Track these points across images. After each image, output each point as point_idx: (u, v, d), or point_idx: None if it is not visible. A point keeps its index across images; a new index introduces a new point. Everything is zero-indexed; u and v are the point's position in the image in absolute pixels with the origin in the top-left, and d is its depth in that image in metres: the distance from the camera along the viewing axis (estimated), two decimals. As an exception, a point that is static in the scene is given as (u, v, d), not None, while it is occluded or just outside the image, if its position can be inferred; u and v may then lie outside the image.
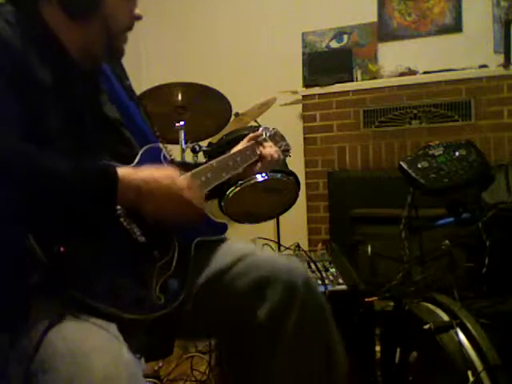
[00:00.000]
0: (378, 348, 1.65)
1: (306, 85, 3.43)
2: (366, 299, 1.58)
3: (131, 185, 0.93)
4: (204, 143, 2.33)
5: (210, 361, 2.04)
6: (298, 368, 1.08)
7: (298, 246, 2.01)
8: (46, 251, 0.82)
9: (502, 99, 2.97)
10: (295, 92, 3.45)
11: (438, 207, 1.63)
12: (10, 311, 0.84)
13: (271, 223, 2.82)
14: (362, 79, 3.34)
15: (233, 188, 1.78)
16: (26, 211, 0.84)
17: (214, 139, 2.37)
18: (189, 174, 1.11)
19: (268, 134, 1.48)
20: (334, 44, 3.50)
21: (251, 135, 1.42)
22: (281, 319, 1.07)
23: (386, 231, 2.46)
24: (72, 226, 0.86)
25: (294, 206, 2.17)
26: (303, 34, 3.56)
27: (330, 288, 1.57)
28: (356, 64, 3.38)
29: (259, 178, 1.87)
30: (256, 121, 2.76)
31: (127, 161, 1.03)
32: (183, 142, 2.23)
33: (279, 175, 1.97)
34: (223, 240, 1.20)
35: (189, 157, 2.23)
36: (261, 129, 1.48)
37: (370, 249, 2.50)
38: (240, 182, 1.84)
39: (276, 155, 1.39)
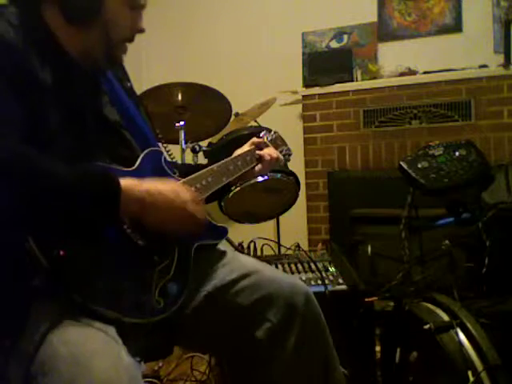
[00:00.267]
0: (378, 348, 1.65)
1: (306, 85, 3.42)
2: (366, 299, 1.58)
3: (135, 197, 0.91)
4: (204, 143, 2.33)
5: (210, 361, 2.03)
6: (298, 382, 1.09)
7: (298, 246, 2.01)
8: (46, 254, 0.82)
9: (501, 99, 2.97)
10: (295, 92, 3.45)
11: (438, 207, 1.63)
12: (11, 314, 0.84)
13: (271, 223, 2.82)
14: (362, 79, 3.34)
15: (233, 188, 1.78)
16: (25, 214, 0.83)
17: (214, 139, 2.37)
18: (190, 178, 1.11)
19: (269, 139, 1.48)
20: (334, 44, 3.50)
21: (253, 140, 1.41)
22: (281, 339, 1.08)
23: (386, 231, 2.46)
24: (72, 230, 0.86)
25: (294, 206, 2.17)
26: (303, 34, 3.56)
27: (330, 288, 1.57)
28: (356, 64, 3.38)
29: (259, 178, 1.87)
30: (256, 121, 2.76)
31: (127, 163, 1.02)
32: (183, 141, 2.23)
33: (279, 175, 1.97)
34: (225, 252, 1.20)
35: (189, 157, 2.23)
36: (262, 133, 1.48)
37: (369, 249, 2.50)
38: (240, 182, 1.84)
39: (275, 155, 1.38)
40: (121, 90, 1.17)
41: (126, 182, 0.90)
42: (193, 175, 1.12)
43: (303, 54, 3.55)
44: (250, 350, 1.09)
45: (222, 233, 1.20)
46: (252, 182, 1.85)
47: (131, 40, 1.09)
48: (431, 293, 1.48)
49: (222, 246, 1.23)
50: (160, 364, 2.20)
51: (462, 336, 1.25)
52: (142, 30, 1.09)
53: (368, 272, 2.48)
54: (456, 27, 3.21)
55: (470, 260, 2.19)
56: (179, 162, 1.59)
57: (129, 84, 1.22)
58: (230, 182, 1.25)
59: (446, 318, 1.32)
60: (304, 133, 3.42)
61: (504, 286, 1.60)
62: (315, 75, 3.41)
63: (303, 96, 3.42)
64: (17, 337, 0.83)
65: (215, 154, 2.12)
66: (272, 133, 1.51)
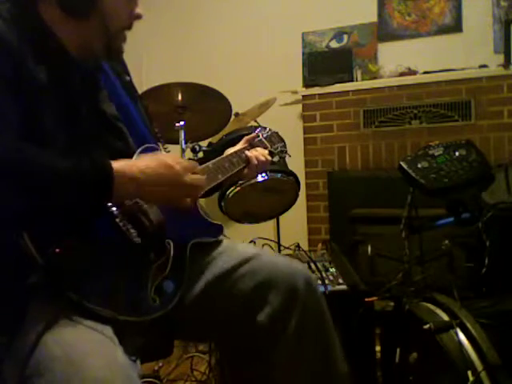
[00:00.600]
0: (378, 348, 1.65)
1: (306, 85, 3.42)
2: (366, 299, 1.58)
3: (128, 176, 0.91)
4: (204, 143, 2.33)
5: (209, 361, 2.03)
6: (299, 369, 1.08)
7: (298, 246, 2.01)
8: (42, 252, 0.81)
9: (502, 99, 2.97)
10: (295, 92, 3.45)
11: (438, 207, 1.63)
12: (6, 313, 0.84)
13: (271, 223, 2.82)
14: (362, 79, 3.34)
15: (233, 188, 1.79)
16: (21, 210, 0.83)
17: (214, 139, 2.37)
18: None
19: (265, 136, 1.48)
20: (334, 44, 3.50)
21: (247, 137, 1.41)
22: (282, 322, 1.08)
23: (386, 231, 2.46)
24: (68, 227, 0.86)
25: (294, 206, 2.17)
26: (303, 34, 3.56)
27: (330, 288, 1.57)
28: (356, 64, 3.38)
29: (259, 177, 1.88)
30: (256, 121, 2.76)
31: (124, 157, 1.02)
32: (183, 141, 2.23)
33: (279, 175, 1.98)
34: (221, 242, 1.20)
35: (189, 157, 2.23)
36: (257, 130, 1.48)
37: (370, 249, 2.50)
38: (240, 182, 1.84)
39: (262, 158, 1.37)
40: (119, 85, 1.16)
41: (117, 164, 0.91)
42: None
43: (303, 53, 3.55)
44: (251, 335, 1.09)
45: (218, 230, 1.20)
46: (252, 181, 1.85)
47: (129, 28, 1.08)
48: (431, 293, 1.48)
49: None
50: (160, 364, 2.20)
51: (461, 336, 1.25)
52: (139, 16, 1.08)
53: (368, 272, 2.48)
54: (456, 27, 3.21)
55: (469, 260, 2.19)
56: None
57: (128, 78, 1.21)
58: (224, 180, 1.25)
59: (445, 318, 1.32)
60: (304, 133, 3.42)
61: (504, 285, 1.60)
62: (315, 75, 3.41)
63: (303, 96, 3.42)
64: (13, 335, 0.83)
65: (215, 154, 2.12)
66: (267, 130, 1.51)
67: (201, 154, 2.18)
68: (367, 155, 3.27)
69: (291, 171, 2.04)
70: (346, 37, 3.47)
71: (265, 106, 2.79)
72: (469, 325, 1.26)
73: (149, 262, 0.97)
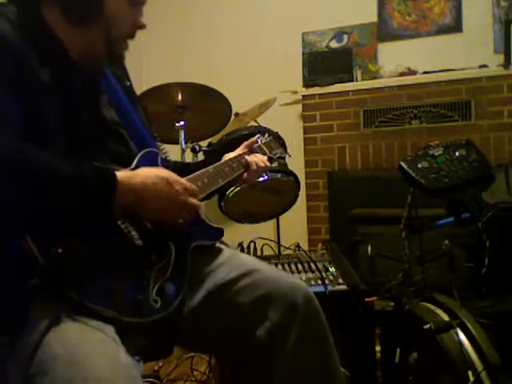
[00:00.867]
0: (378, 348, 1.65)
1: (306, 85, 3.43)
2: (366, 299, 1.58)
3: (130, 188, 0.93)
4: (204, 143, 2.33)
5: (209, 361, 2.03)
6: (297, 381, 1.09)
7: (298, 246, 2.01)
8: (44, 252, 0.82)
9: (502, 99, 2.97)
10: (295, 92, 3.46)
11: (438, 207, 1.63)
12: (9, 313, 0.84)
13: (271, 223, 2.82)
14: (362, 79, 3.34)
15: (233, 188, 1.79)
16: (23, 210, 0.84)
17: (214, 139, 2.37)
18: (186, 178, 1.11)
19: (263, 142, 1.48)
20: (334, 44, 3.50)
21: (246, 143, 1.42)
22: (281, 337, 1.08)
23: (386, 231, 2.46)
24: (70, 228, 0.86)
25: (293, 206, 2.17)
26: (303, 34, 3.56)
27: (330, 288, 1.57)
28: (356, 64, 3.38)
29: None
30: (256, 121, 2.76)
31: (125, 162, 1.03)
32: (183, 141, 2.23)
33: (279, 175, 1.98)
34: (222, 250, 1.20)
35: (189, 157, 2.23)
36: (256, 136, 1.48)
37: (370, 249, 2.50)
38: (240, 182, 1.84)
39: (262, 164, 1.37)
40: (120, 90, 1.17)
41: (120, 174, 0.92)
42: (189, 176, 1.12)
43: (303, 53, 3.55)
44: (250, 349, 1.09)
45: (219, 233, 1.20)
46: (252, 182, 1.85)
47: (132, 36, 1.09)
48: (431, 293, 1.48)
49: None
50: (160, 364, 2.20)
51: (461, 336, 1.25)
52: (142, 26, 1.09)
53: (368, 272, 2.48)
54: (456, 27, 3.21)
55: (469, 260, 2.19)
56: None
57: (128, 83, 1.22)
58: (224, 184, 1.26)
59: (446, 317, 1.32)
60: (304, 133, 3.42)
61: (504, 285, 1.60)
62: (315, 75, 3.41)
63: (303, 96, 3.42)
64: (15, 335, 0.83)
65: (215, 154, 2.12)
66: (266, 136, 1.51)
67: (201, 154, 2.18)
68: (367, 155, 3.27)
69: (291, 171, 2.04)
70: (345, 37, 3.47)
71: (265, 106, 2.79)
72: (469, 325, 1.26)
73: (150, 264, 0.98)
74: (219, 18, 3.77)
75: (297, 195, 2.11)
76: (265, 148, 1.47)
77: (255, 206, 2.09)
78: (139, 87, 1.37)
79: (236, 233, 2.44)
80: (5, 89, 0.88)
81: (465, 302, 1.36)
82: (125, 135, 1.13)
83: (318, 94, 3.36)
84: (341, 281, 1.63)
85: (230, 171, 1.28)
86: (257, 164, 1.36)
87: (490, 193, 1.79)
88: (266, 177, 1.89)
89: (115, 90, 1.16)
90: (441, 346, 1.26)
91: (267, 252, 2.07)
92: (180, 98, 2.23)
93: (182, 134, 2.23)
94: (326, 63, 3.42)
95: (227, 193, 1.93)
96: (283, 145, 1.83)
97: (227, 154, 1.36)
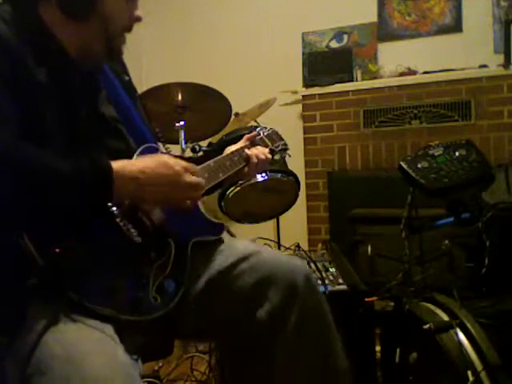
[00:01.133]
0: (378, 348, 1.65)
1: (306, 85, 3.43)
2: (366, 299, 1.58)
3: (128, 176, 0.92)
4: (204, 143, 2.33)
5: (209, 361, 2.03)
6: (299, 367, 1.08)
7: (297, 246, 2.01)
8: (41, 252, 0.81)
9: (502, 99, 2.97)
10: (295, 92, 3.46)
11: (438, 207, 1.63)
12: (7, 313, 0.84)
13: (271, 223, 2.82)
14: (362, 79, 3.34)
15: (233, 188, 1.79)
16: (21, 208, 0.83)
17: (214, 139, 2.37)
18: None
19: (265, 134, 1.48)
20: (334, 44, 3.50)
21: (248, 136, 1.41)
22: (281, 319, 1.07)
23: (386, 231, 2.46)
24: (68, 227, 0.86)
25: (293, 206, 2.17)
26: (303, 34, 3.56)
27: (330, 288, 1.57)
28: (356, 64, 3.38)
29: (259, 177, 1.87)
30: (256, 121, 2.76)
31: (123, 158, 1.02)
32: (183, 141, 2.23)
33: (279, 175, 1.98)
34: (221, 240, 1.20)
35: (189, 155, 2.23)
36: (258, 129, 1.48)
37: (370, 249, 2.50)
38: (240, 182, 1.84)
39: (263, 156, 1.37)
40: (119, 85, 1.16)
41: (116, 164, 0.91)
42: None
43: (303, 53, 3.55)
44: (251, 332, 1.08)
45: (219, 229, 1.20)
46: (252, 181, 1.85)
47: (129, 30, 1.08)
48: (431, 293, 1.48)
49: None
50: (160, 364, 2.20)
51: (461, 336, 1.25)
52: (139, 19, 1.08)
53: (368, 272, 2.48)
54: (456, 27, 3.21)
55: (469, 260, 2.19)
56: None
57: (127, 78, 1.21)
58: (225, 179, 1.25)
59: (445, 318, 1.32)
60: (304, 133, 3.42)
61: (504, 285, 1.60)
62: (315, 75, 3.41)
63: (303, 96, 3.42)
64: (13, 335, 0.83)
65: (215, 154, 2.12)
66: (268, 128, 1.51)
67: (201, 154, 2.18)
68: (367, 155, 3.27)
69: (291, 171, 2.04)
70: (345, 37, 3.47)
71: (265, 106, 2.79)
72: (469, 325, 1.26)
73: (149, 261, 0.97)
74: (219, 18, 3.77)
75: (297, 195, 2.11)
76: (267, 140, 1.47)
77: (255, 206, 2.09)
78: (139, 87, 1.37)
79: (236, 233, 2.44)
80: (0, 88, 0.88)
81: (465, 302, 1.36)
82: (123, 131, 1.12)
83: (318, 94, 3.36)
84: (341, 281, 1.63)
85: (231, 165, 1.27)
86: (257, 156, 1.35)
87: (489, 193, 1.79)
88: (266, 177, 1.89)
89: (113, 85, 1.15)
90: (440, 345, 1.26)
91: (267, 252, 2.07)
92: (180, 97, 2.22)
93: (182, 134, 2.22)
94: (325, 63, 3.42)
95: (227, 193, 1.93)
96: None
97: (229, 147, 1.35)
